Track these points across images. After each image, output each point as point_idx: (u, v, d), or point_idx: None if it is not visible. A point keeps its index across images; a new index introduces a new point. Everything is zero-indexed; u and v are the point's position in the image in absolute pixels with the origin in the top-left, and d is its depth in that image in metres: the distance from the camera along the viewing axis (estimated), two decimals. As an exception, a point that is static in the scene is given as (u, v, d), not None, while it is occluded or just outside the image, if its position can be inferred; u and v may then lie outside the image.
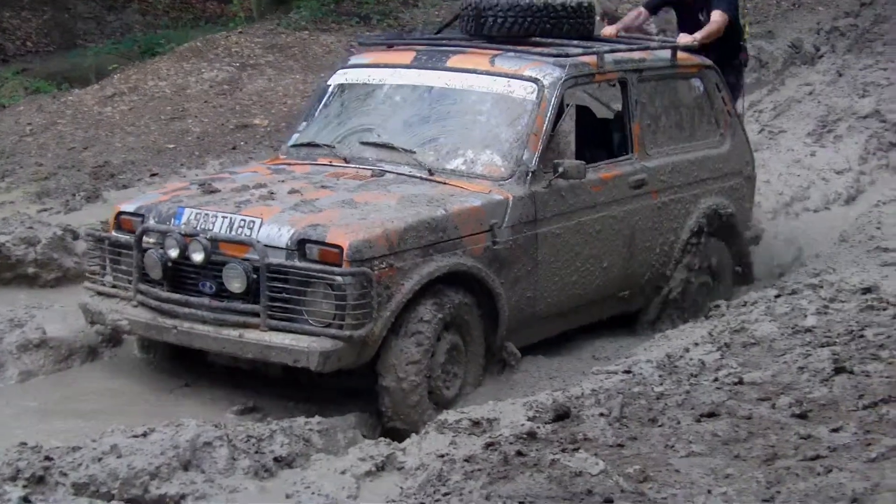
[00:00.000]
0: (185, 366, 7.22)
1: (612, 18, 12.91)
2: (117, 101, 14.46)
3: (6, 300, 8.05)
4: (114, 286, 7.12)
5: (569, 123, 7.36)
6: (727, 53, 9.32)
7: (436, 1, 18.41)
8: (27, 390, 7.04)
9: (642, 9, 9.88)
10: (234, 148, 12.76)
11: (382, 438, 5.76)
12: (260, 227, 6.59)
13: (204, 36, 17.17)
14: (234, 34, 16.77)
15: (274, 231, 6.55)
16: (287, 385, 6.89)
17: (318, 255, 6.43)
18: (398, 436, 6.03)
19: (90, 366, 7.41)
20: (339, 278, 6.32)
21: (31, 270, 8.46)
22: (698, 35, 8.94)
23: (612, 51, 8.01)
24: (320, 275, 6.38)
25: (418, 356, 6.55)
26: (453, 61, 7.79)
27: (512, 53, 7.77)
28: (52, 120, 13.82)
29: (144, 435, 5.31)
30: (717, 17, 9.20)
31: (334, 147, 7.79)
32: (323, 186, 7.12)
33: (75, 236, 8.78)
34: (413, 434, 5.74)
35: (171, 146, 12.86)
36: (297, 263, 6.45)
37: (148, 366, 7.35)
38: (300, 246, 6.47)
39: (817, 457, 4.46)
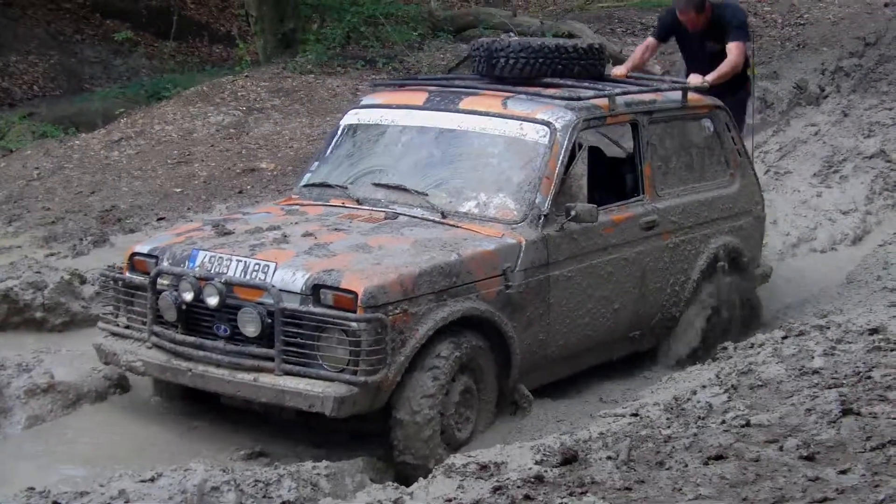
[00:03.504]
0: (193, 408, 7.21)
1: (616, 60, 12.96)
2: (124, 146, 14.49)
3: (14, 345, 8.06)
4: (127, 327, 7.12)
5: (581, 167, 7.38)
6: (732, 85, 9.32)
7: (440, 45, 18.47)
8: (35, 435, 7.03)
9: (651, 39, 9.89)
10: (240, 192, 12.77)
11: (390, 483, 5.75)
12: (274, 271, 6.59)
13: (210, 80, 17.21)
14: (240, 78, 16.81)
15: (288, 275, 6.54)
16: (295, 428, 6.88)
17: (333, 300, 6.42)
18: (406, 480, 6.03)
19: (98, 409, 7.39)
20: (353, 324, 6.32)
21: (38, 315, 8.48)
22: (710, 77, 8.93)
23: (624, 93, 8.03)
24: (335, 320, 6.38)
25: (433, 390, 6.55)
26: (465, 103, 7.80)
27: (524, 96, 7.78)
28: (60, 164, 13.85)
29: (152, 480, 5.31)
30: (734, 49, 9.19)
31: (347, 188, 7.80)
32: (336, 229, 7.11)
33: (83, 281, 8.80)
34: (420, 477, 5.72)
35: (178, 190, 12.88)
36: (312, 309, 6.44)
37: (155, 408, 7.34)
38: (315, 291, 6.46)
39: (825, 499, 4.45)
